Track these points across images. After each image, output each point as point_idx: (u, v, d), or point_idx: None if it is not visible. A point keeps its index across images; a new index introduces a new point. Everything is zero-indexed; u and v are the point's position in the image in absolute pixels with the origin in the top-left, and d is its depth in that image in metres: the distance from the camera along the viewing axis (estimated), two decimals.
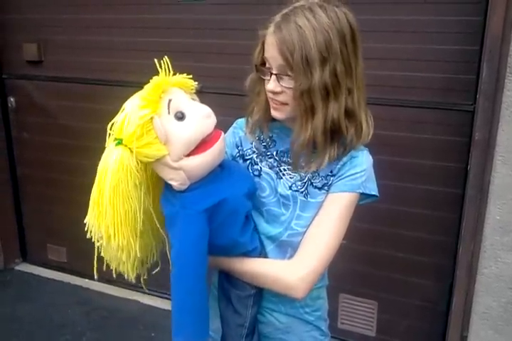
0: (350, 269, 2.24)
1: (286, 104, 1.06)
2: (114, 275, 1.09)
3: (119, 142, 0.96)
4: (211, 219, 1.00)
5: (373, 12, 1.98)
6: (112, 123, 0.97)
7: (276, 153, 1.16)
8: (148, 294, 2.78)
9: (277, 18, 1.03)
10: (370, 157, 1.13)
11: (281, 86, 1.04)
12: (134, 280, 1.12)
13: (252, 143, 1.19)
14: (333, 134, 1.06)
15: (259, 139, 1.18)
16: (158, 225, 1.09)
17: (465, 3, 1.88)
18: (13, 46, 2.80)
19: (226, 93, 2.25)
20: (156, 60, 0.96)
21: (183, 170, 0.98)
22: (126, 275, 1.11)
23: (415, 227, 2.15)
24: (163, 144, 0.95)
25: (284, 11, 1.04)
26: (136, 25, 2.47)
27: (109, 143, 0.98)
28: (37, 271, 3.13)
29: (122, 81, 2.48)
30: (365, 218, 1.90)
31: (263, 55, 1.07)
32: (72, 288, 2.89)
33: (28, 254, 3.22)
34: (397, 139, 2.09)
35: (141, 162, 0.98)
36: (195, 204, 0.99)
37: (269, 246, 1.15)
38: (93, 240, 1.02)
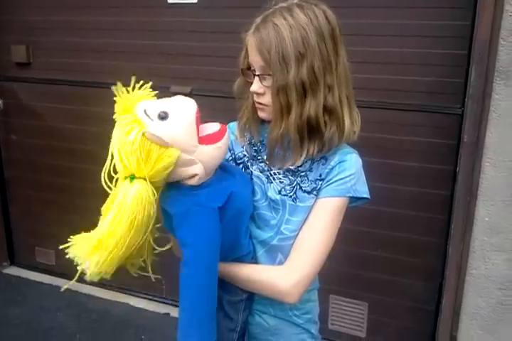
0: (340, 270, 2.26)
1: (267, 105, 1.08)
2: None
3: (132, 178, 0.94)
4: (221, 217, 1.01)
5: (362, 16, 2.01)
6: (106, 170, 0.95)
7: (267, 157, 1.17)
8: (138, 296, 2.78)
9: (258, 20, 1.05)
10: (360, 159, 1.13)
11: (264, 86, 1.05)
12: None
13: (243, 147, 1.20)
14: (312, 132, 1.06)
15: (250, 143, 1.19)
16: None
17: (453, 7, 1.91)
18: (2, 48, 2.78)
19: (219, 96, 2.26)
20: (114, 88, 0.97)
21: (200, 162, 0.98)
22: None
23: (405, 229, 2.17)
24: (170, 147, 0.95)
25: (265, 13, 1.05)
26: (126, 28, 2.46)
27: (120, 185, 0.96)
28: (25, 274, 3.10)
29: (111, 83, 2.44)
30: (354, 219, 1.91)
31: (248, 58, 1.09)
32: (60, 291, 2.86)
33: (15, 257, 3.19)
34: (386, 141, 2.11)
35: (156, 185, 0.98)
36: (211, 202, 0.99)
37: (260, 251, 1.16)
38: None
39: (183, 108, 0.97)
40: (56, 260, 3.01)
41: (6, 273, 3.13)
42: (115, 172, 0.96)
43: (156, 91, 1.01)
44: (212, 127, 1.00)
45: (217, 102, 2.18)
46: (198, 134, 0.97)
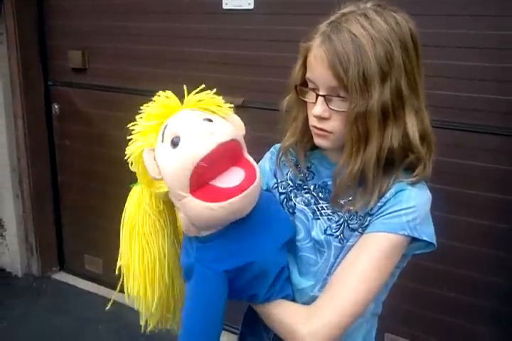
0: (399, 307, 2.02)
1: (332, 132, 0.89)
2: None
3: (135, 183, 0.87)
4: (232, 280, 0.84)
5: (444, 25, 1.76)
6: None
7: (314, 187, 0.98)
8: None
9: (323, 27, 0.87)
10: (427, 192, 0.93)
11: (331, 110, 0.86)
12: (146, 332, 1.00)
13: (287, 174, 1.02)
14: (387, 166, 0.89)
15: (295, 170, 1.01)
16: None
17: None
18: (59, 53, 2.75)
19: (273, 109, 2.08)
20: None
21: (184, 213, 0.82)
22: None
23: (472, 266, 1.91)
24: (160, 180, 0.81)
25: (332, 18, 0.87)
26: (181, 35, 2.35)
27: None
28: (73, 280, 3.07)
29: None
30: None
31: (305, 73, 0.90)
32: (105, 302, 2.78)
33: (65, 263, 3.17)
34: (453, 166, 1.85)
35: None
36: (214, 262, 0.82)
37: (299, 301, 0.97)
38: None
39: (193, 142, 0.76)
40: (104, 269, 2.96)
41: (55, 278, 3.12)
42: None
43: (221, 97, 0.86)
44: (232, 180, 0.79)
45: (272, 115, 2.02)
46: (194, 181, 0.77)
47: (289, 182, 1.02)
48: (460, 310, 1.97)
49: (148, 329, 1.00)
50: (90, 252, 3.00)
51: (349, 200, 0.92)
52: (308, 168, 1.00)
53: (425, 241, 0.89)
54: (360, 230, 0.91)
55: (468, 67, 1.77)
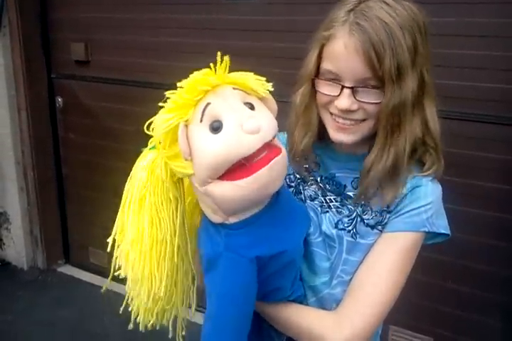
0: (403, 299, 1.99)
1: (364, 119, 0.85)
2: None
3: (154, 146, 0.79)
4: (261, 268, 0.80)
5: (445, 13, 1.73)
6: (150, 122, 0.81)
7: (321, 179, 0.96)
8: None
9: (344, 15, 0.82)
10: (439, 186, 0.91)
11: (359, 101, 0.83)
12: (149, 327, 0.92)
13: (291, 167, 0.99)
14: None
15: (302, 160, 0.97)
16: (190, 259, 0.89)
17: None
18: (62, 45, 2.74)
19: (279, 100, 2.05)
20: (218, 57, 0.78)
21: (211, 198, 0.78)
22: (138, 318, 0.91)
23: (479, 259, 1.89)
24: (188, 160, 0.75)
25: (349, 6, 0.82)
26: (184, 26, 2.33)
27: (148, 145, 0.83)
28: (78, 273, 3.07)
29: (171, 84, 2.33)
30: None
31: (319, 64, 0.87)
32: (111, 295, 2.78)
33: (71, 256, 3.18)
34: (454, 157, 1.79)
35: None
36: (245, 249, 0.79)
37: (311, 298, 0.96)
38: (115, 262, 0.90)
39: (236, 138, 0.72)
40: (108, 262, 2.94)
41: (60, 271, 3.13)
42: None
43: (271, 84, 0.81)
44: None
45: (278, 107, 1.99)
46: (226, 172, 0.74)
47: (296, 174, 0.99)
48: (467, 303, 1.95)
49: (151, 317, 0.90)
50: (95, 245, 2.99)
51: (380, 195, 0.89)
52: (313, 159, 0.97)
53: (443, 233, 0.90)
54: (379, 227, 0.90)
55: (466, 55, 1.74)
